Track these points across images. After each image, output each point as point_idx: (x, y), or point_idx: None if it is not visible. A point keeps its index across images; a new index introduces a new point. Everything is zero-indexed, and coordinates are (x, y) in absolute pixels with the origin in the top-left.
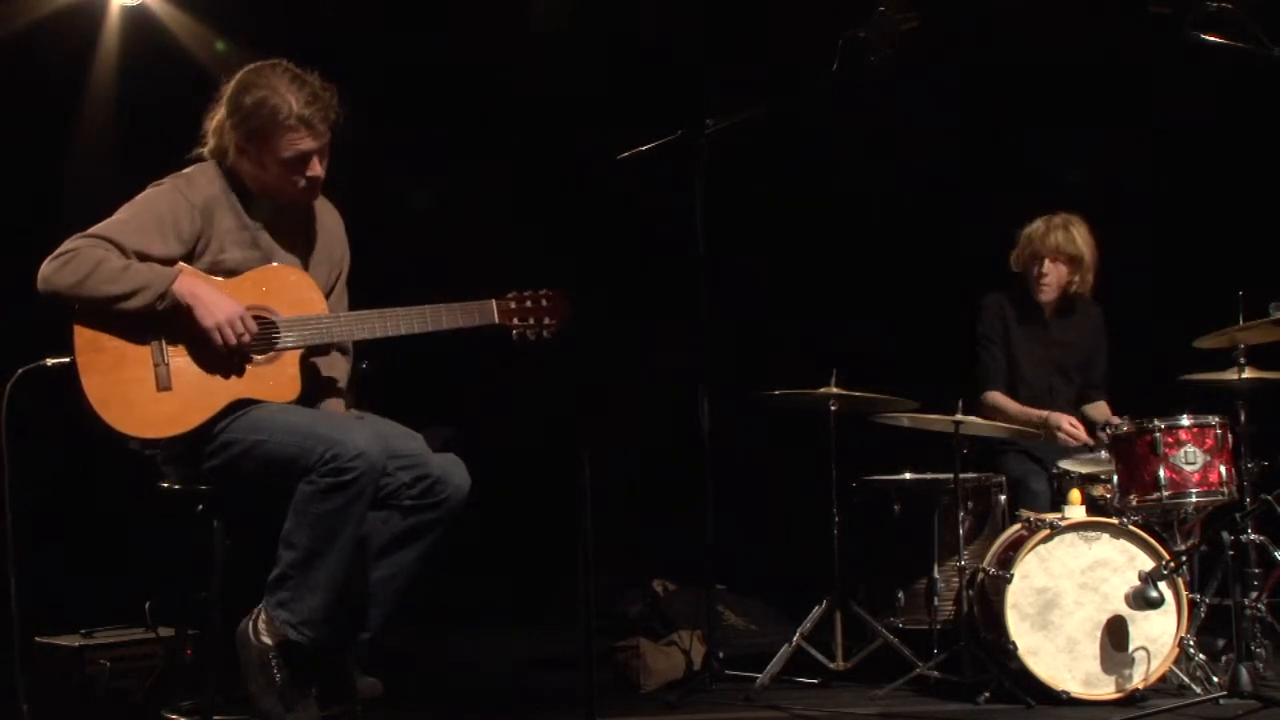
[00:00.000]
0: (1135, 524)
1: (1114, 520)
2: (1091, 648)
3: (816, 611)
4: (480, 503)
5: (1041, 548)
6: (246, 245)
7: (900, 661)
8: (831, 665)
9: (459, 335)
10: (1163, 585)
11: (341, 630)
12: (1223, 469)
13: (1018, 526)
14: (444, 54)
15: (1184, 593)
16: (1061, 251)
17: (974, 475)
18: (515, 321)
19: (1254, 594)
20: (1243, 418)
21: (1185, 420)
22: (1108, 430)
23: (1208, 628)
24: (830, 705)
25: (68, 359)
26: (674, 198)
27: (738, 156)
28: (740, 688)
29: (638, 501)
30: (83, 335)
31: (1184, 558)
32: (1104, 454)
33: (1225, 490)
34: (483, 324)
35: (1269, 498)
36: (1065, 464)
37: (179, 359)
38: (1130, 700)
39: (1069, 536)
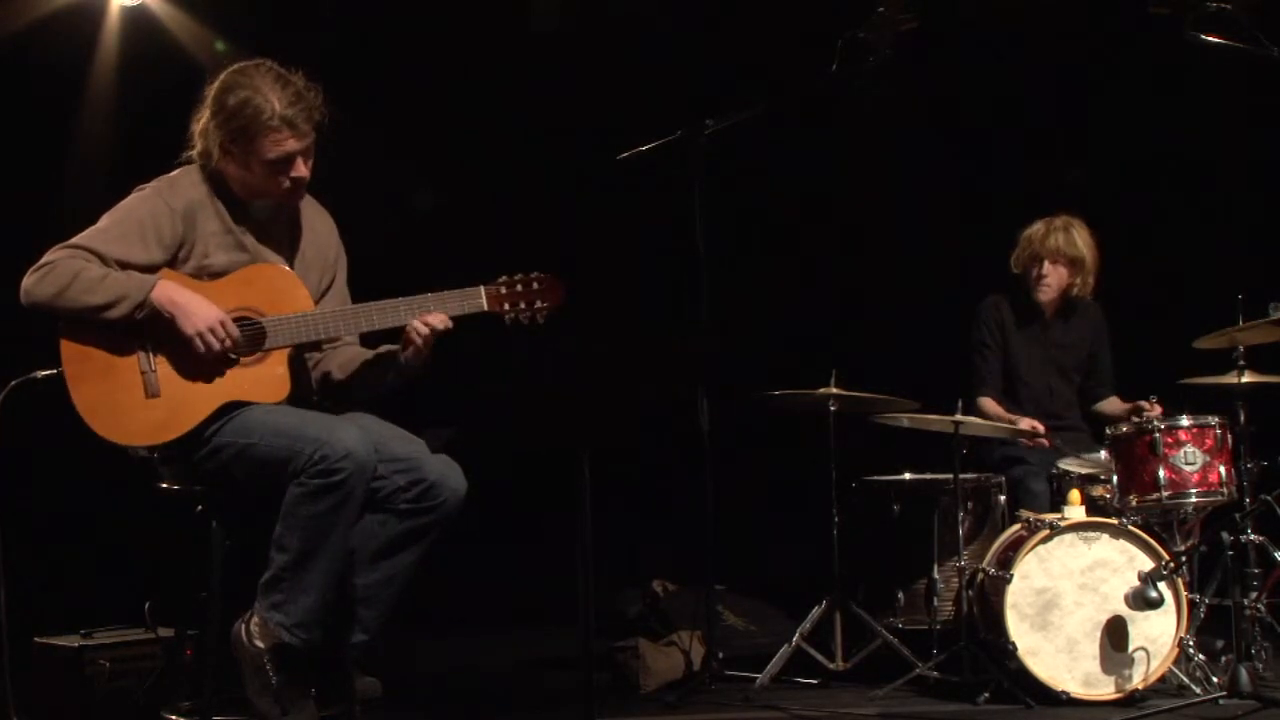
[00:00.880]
0: (1135, 524)
1: (1113, 520)
2: (1091, 648)
3: (816, 612)
4: (480, 503)
5: (1041, 548)
6: (232, 248)
7: (900, 662)
8: (831, 665)
9: (458, 335)
10: (1162, 585)
11: (336, 632)
12: (1222, 469)
13: (1017, 527)
14: (444, 53)
15: (1183, 593)
16: (1062, 254)
17: (973, 475)
18: (506, 307)
19: (1253, 594)
20: (1242, 418)
21: (1185, 421)
22: (1141, 416)
23: (1207, 628)
24: (830, 705)
25: (57, 371)
26: (673, 198)
27: (737, 156)
28: (740, 688)
29: (637, 501)
30: (69, 346)
31: (1183, 558)
32: (1102, 454)
33: (1225, 491)
34: (472, 311)
35: (1268, 498)
36: (1065, 464)
37: (166, 365)
38: (1130, 701)
39: (1068, 537)
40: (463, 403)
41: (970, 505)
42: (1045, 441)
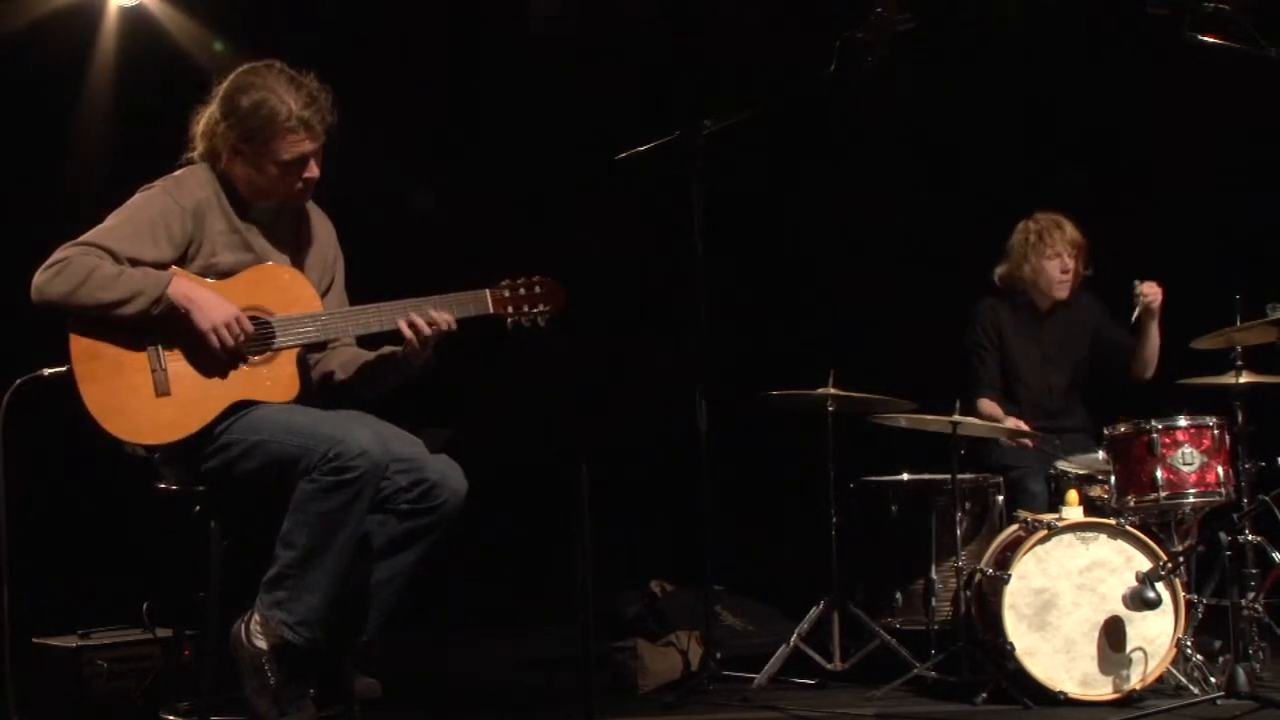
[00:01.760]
0: (1132, 525)
1: (1111, 521)
2: (1089, 648)
3: (814, 612)
4: (479, 504)
5: (1039, 548)
6: (238, 248)
7: (898, 662)
8: (829, 666)
9: (456, 336)
10: (1160, 586)
11: (338, 631)
12: (1220, 470)
13: (1015, 527)
14: (441, 53)
15: (1181, 593)
16: (1076, 244)
17: (971, 476)
18: (509, 310)
19: (1251, 595)
20: (1240, 418)
21: (1182, 421)
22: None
23: (1205, 628)
24: (828, 706)
25: (65, 368)
26: (672, 198)
27: (736, 157)
28: (738, 688)
29: (635, 502)
30: (79, 344)
31: (1181, 558)
32: (1100, 455)
33: (1222, 491)
34: (477, 314)
35: (1266, 498)
36: (1063, 464)
37: (176, 363)
38: (1127, 701)
39: (1066, 537)
40: (461, 404)
41: (968, 505)
42: (1029, 442)
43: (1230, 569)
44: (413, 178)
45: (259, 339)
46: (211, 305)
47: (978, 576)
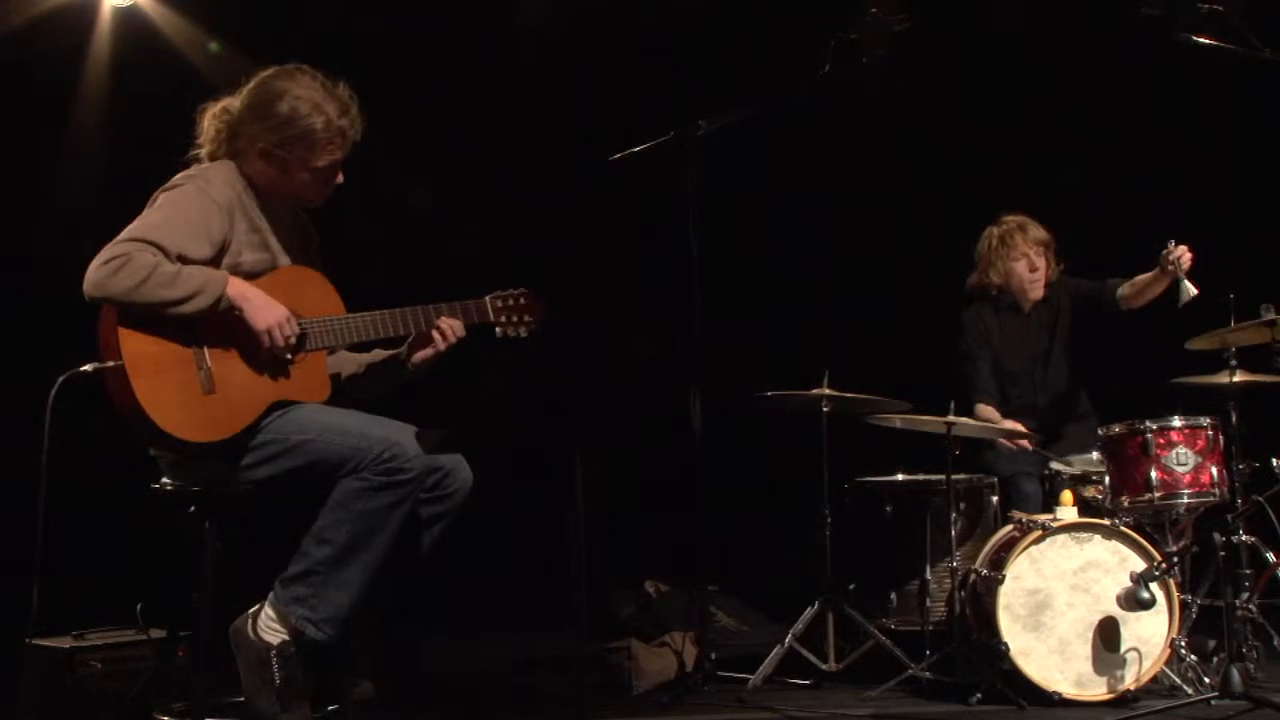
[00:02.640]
0: (1127, 525)
1: (1106, 521)
2: (1083, 649)
3: (809, 612)
4: (474, 504)
5: (1033, 549)
6: (258, 247)
7: (892, 662)
8: (824, 666)
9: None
10: (1154, 586)
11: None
12: (1214, 470)
13: (1010, 528)
14: (435, 53)
15: (1175, 594)
16: (1042, 242)
17: (966, 476)
18: (502, 319)
19: (1245, 595)
20: (1234, 419)
21: (1177, 421)
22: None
23: (1199, 629)
24: (823, 706)
25: (110, 364)
26: (667, 198)
27: (731, 157)
28: (733, 689)
29: (630, 502)
30: (128, 338)
31: (1175, 559)
32: (1095, 455)
33: (1216, 491)
34: (479, 321)
35: (1260, 499)
36: (1057, 465)
37: (220, 362)
38: (1122, 701)
39: (1061, 538)
40: (456, 403)
41: (963, 506)
42: (1028, 444)
43: (1224, 569)
44: (407, 178)
45: (296, 340)
46: (266, 306)
47: (972, 577)
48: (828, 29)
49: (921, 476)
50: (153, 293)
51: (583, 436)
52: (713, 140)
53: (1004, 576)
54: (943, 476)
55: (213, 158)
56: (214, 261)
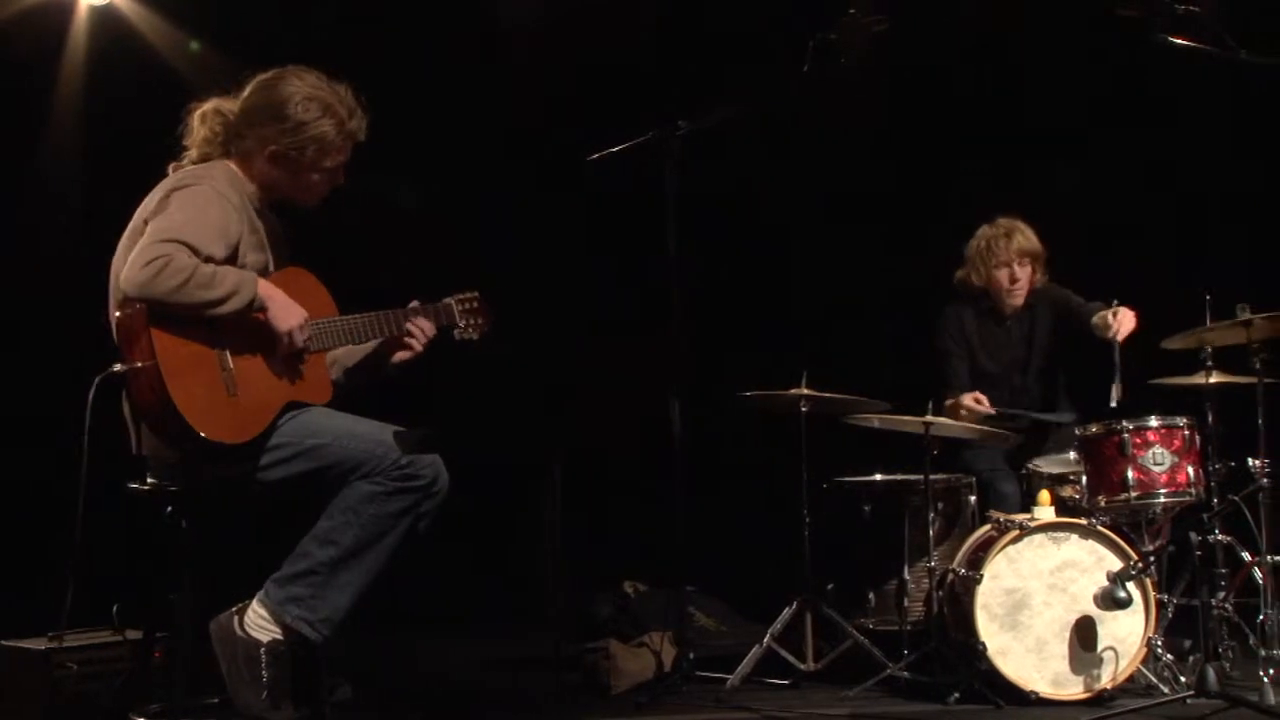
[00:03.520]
0: (1103, 525)
1: (1083, 521)
2: (1060, 648)
3: (787, 612)
4: (452, 504)
5: (1011, 548)
6: (257, 247)
7: (871, 662)
8: (802, 666)
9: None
10: (1131, 586)
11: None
12: (1190, 470)
13: (987, 527)
14: (415, 52)
15: (1152, 593)
16: (1026, 253)
17: (944, 476)
18: (462, 323)
19: (1221, 594)
20: (1210, 419)
21: (1153, 421)
22: (1113, 312)
23: (1175, 628)
24: (801, 706)
25: (140, 364)
26: (646, 198)
27: (710, 157)
28: (711, 689)
29: (608, 503)
30: (161, 339)
31: (1152, 558)
32: (1072, 454)
33: (1193, 491)
34: (446, 324)
35: (1236, 498)
36: (1034, 464)
37: (241, 364)
38: (1098, 700)
39: (1038, 537)
40: (434, 404)
41: (940, 506)
42: (1008, 442)
43: (1200, 569)
44: (387, 177)
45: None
46: (288, 307)
47: (950, 577)
48: (807, 29)
49: (899, 476)
50: (194, 294)
51: (562, 437)
52: (693, 140)
53: (981, 576)
54: (921, 476)
55: (204, 158)
56: (229, 262)
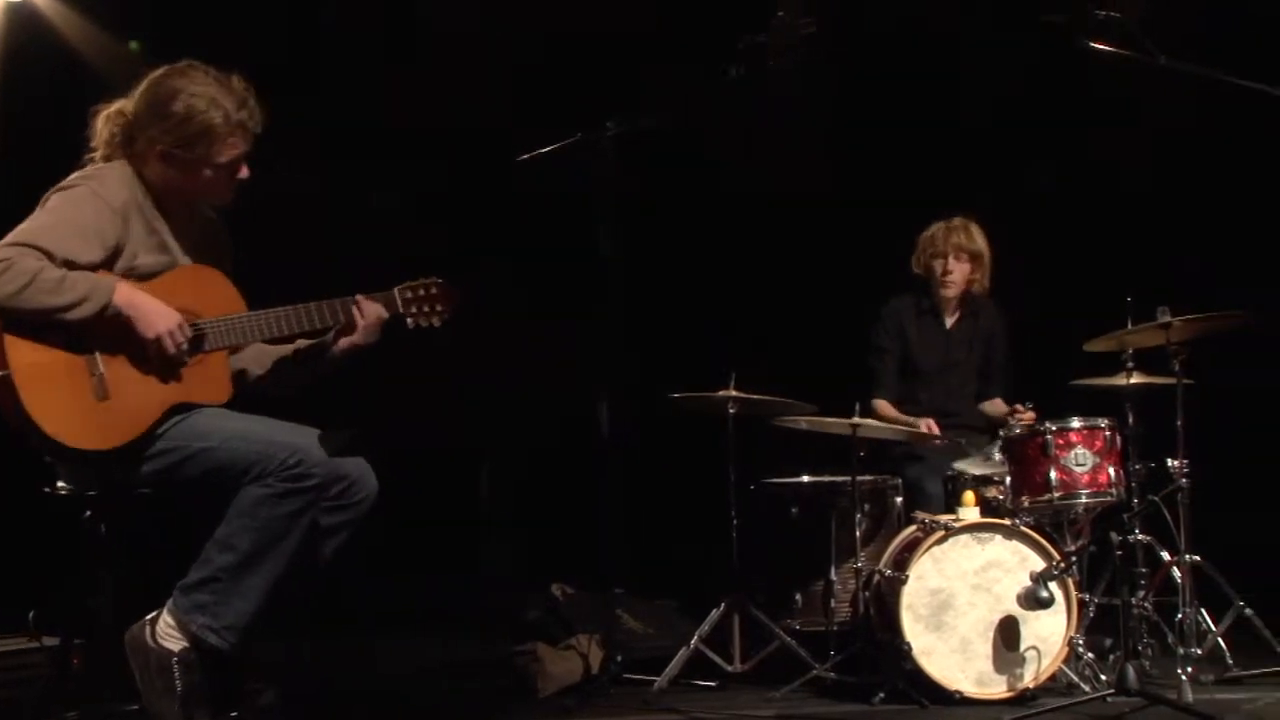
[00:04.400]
0: (1027, 525)
1: (1006, 521)
2: (984, 647)
3: (715, 614)
4: (379, 507)
5: (936, 549)
6: (156, 249)
7: (797, 663)
8: (729, 668)
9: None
10: (1053, 585)
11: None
12: (1111, 470)
13: (913, 528)
14: (342, 52)
15: (1074, 593)
16: (964, 249)
17: (870, 478)
18: (412, 310)
19: (1141, 593)
20: (1131, 420)
21: (1075, 423)
22: (1018, 418)
23: (1096, 627)
24: (728, 707)
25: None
26: (577, 200)
27: (640, 159)
28: (638, 691)
29: (537, 505)
30: (15, 346)
31: (1074, 558)
32: (996, 455)
33: (1114, 491)
34: (390, 314)
35: (1155, 499)
36: (959, 466)
37: (114, 368)
38: (1021, 699)
39: (963, 538)
40: (363, 404)
41: (867, 507)
42: (937, 440)
43: (1121, 568)
44: (314, 177)
45: (193, 342)
46: (156, 313)
47: (876, 577)
48: (736, 32)
49: (827, 478)
50: (36, 299)
51: (491, 439)
52: (621, 141)
53: (907, 577)
54: (848, 478)
55: (107, 160)
56: (107, 265)
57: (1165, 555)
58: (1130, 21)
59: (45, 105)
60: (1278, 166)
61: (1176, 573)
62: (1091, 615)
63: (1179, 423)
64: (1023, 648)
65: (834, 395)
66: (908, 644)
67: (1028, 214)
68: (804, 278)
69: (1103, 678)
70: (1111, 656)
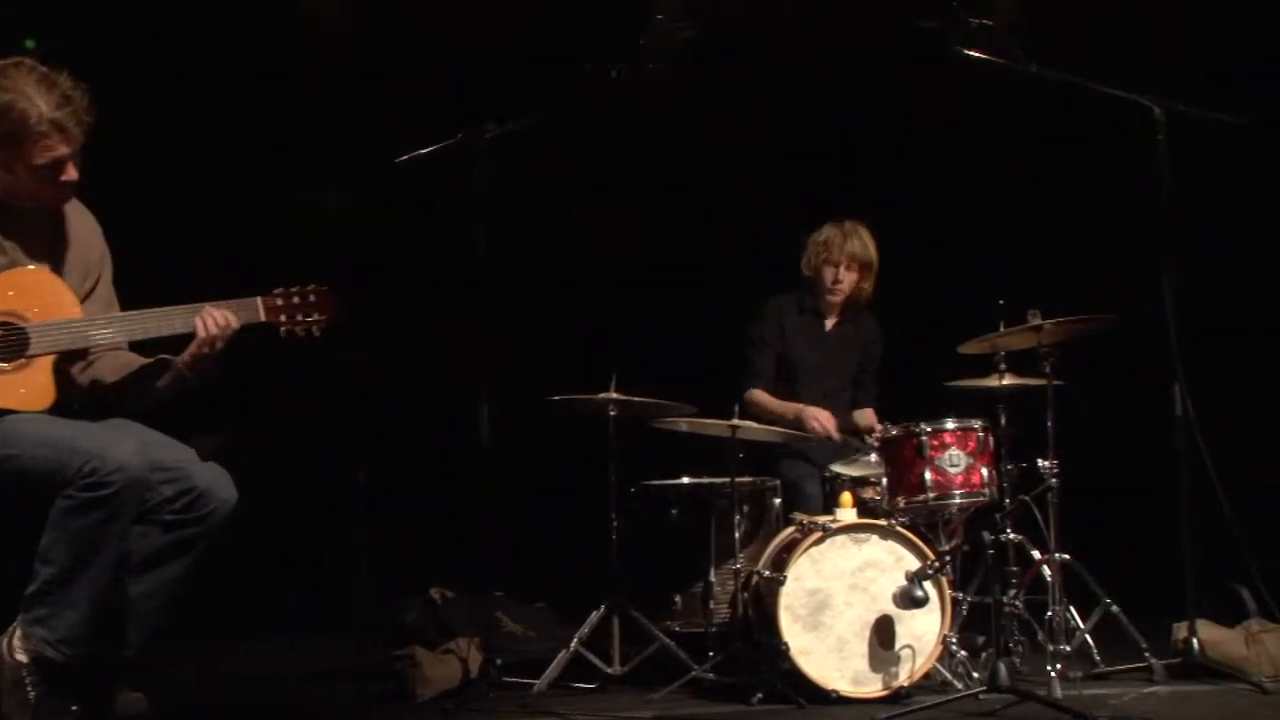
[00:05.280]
0: (903, 525)
1: (883, 522)
2: (860, 647)
3: (594, 616)
4: (253, 511)
5: (814, 550)
6: None
7: (677, 664)
8: (609, 670)
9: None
10: (928, 585)
11: (102, 647)
12: (984, 471)
13: (791, 529)
14: (223, 50)
15: (947, 592)
16: (857, 258)
17: (750, 479)
18: (283, 319)
19: (1012, 592)
20: (1003, 421)
21: (949, 424)
22: (874, 437)
23: (969, 625)
24: (607, 710)
25: None
26: (455, 201)
27: (519, 159)
28: (518, 695)
29: (415, 507)
30: None
31: (948, 557)
32: (873, 457)
33: (987, 491)
34: (248, 322)
35: (1026, 498)
36: (836, 467)
37: None
38: (896, 697)
39: (840, 538)
40: (235, 408)
41: (746, 508)
42: (835, 436)
43: (993, 567)
44: (187, 180)
45: (12, 346)
46: None
47: (755, 578)
48: (616, 34)
49: (706, 480)
50: None
51: (368, 441)
52: (501, 142)
53: (785, 577)
54: (727, 479)
55: None
56: None
57: (1036, 554)
58: (1002, 30)
59: None
60: (1142, 171)
61: (1046, 571)
62: (964, 614)
63: (1049, 423)
64: (898, 646)
65: (715, 397)
66: (785, 644)
67: (901, 217)
68: (686, 279)
69: (975, 675)
70: (984, 654)
